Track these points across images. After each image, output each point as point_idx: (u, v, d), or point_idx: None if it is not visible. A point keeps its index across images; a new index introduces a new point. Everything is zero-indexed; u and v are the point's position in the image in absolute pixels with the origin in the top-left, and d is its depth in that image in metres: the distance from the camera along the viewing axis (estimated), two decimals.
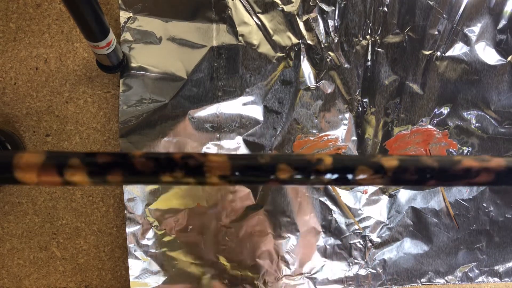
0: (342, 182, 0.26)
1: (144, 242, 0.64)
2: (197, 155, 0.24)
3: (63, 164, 0.23)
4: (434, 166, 0.24)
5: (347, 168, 0.24)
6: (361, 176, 0.24)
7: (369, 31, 0.67)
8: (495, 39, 0.69)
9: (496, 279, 0.71)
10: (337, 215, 0.68)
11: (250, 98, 0.66)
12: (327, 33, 0.67)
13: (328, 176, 0.25)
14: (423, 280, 0.70)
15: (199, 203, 0.65)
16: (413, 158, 0.25)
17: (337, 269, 0.69)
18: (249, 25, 0.66)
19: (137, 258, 0.64)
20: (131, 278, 0.64)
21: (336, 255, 0.69)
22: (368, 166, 0.24)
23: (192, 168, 0.24)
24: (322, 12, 0.66)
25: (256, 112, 0.67)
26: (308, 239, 0.68)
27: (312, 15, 0.66)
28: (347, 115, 0.68)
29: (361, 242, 0.69)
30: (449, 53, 0.68)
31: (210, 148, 0.65)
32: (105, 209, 0.66)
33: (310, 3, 0.66)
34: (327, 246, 0.68)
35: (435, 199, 0.70)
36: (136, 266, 0.64)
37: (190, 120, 0.65)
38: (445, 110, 0.69)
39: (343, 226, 0.68)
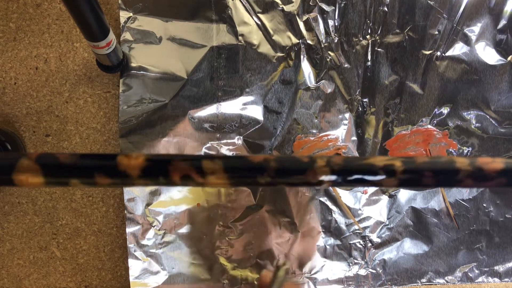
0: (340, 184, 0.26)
1: (144, 242, 0.64)
2: (196, 176, 0.24)
3: (64, 183, 0.24)
4: (432, 183, 0.24)
5: (346, 182, 0.25)
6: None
7: (369, 31, 0.67)
8: (495, 39, 0.69)
9: (496, 279, 0.71)
10: (337, 215, 0.68)
11: (250, 98, 0.66)
12: (327, 33, 0.67)
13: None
14: (423, 280, 0.70)
15: (199, 203, 0.65)
16: (415, 177, 0.25)
17: (337, 269, 0.69)
18: (249, 25, 0.66)
19: (137, 258, 0.64)
20: (131, 278, 0.64)
21: (336, 255, 0.69)
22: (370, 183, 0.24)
23: (191, 184, 0.24)
24: (322, 12, 0.66)
25: (256, 112, 0.67)
26: (308, 239, 0.68)
27: (312, 15, 0.66)
28: (347, 115, 0.68)
29: (361, 242, 0.69)
30: (449, 53, 0.68)
31: (210, 148, 0.65)
32: (105, 209, 0.66)
33: (310, 3, 0.66)
34: (327, 246, 0.68)
35: (435, 199, 0.70)
36: (136, 266, 0.64)
37: (190, 120, 0.65)
38: (445, 110, 0.69)
39: (343, 226, 0.68)
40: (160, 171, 0.25)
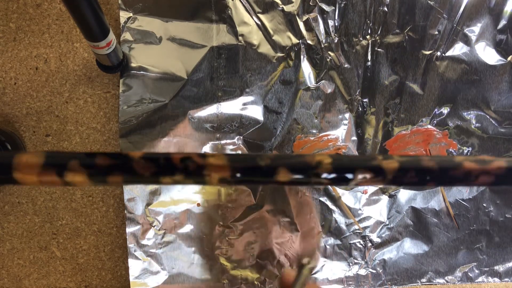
0: (341, 183, 0.26)
1: (144, 242, 0.64)
2: (196, 158, 0.24)
3: (63, 166, 0.23)
4: (434, 168, 0.24)
5: (347, 171, 0.24)
6: (361, 178, 0.24)
7: (369, 31, 0.67)
8: (495, 39, 0.69)
9: (496, 279, 0.71)
10: (337, 215, 0.68)
11: (250, 98, 0.66)
12: (327, 33, 0.67)
13: (327, 177, 0.25)
14: (423, 280, 0.70)
15: (199, 203, 0.65)
16: (413, 159, 0.25)
17: (337, 269, 0.69)
18: (249, 25, 0.66)
19: (137, 258, 0.64)
20: (131, 278, 0.64)
21: (336, 255, 0.69)
22: (368, 169, 0.24)
23: (192, 171, 0.24)
24: (322, 12, 0.66)
25: (256, 112, 0.67)
26: (308, 239, 0.68)
27: (312, 15, 0.66)
28: (347, 115, 0.68)
29: (361, 242, 0.69)
30: (449, 53, 0.68)
31: (210, 148, 0.65)
32: (105, 209, 0.66)
33: (310, 3, 0.66)
34: (327, 246, 0.68)
35: (435, 199, 0.70)
36: (136, 266, 0.64)
37: (190, 120, 0.65)
38: (445, 110, 0.69)
39: (343, 226, 0.68)
40: (161, 154, 0.25)
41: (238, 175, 0.24)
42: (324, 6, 0.66)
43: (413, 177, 0.24)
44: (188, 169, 0.24)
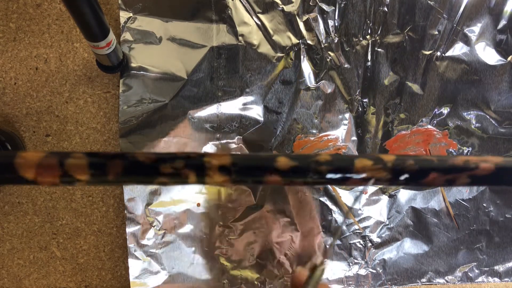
0: (342, 179, 0.25)
1: (144, 242, 0.64)
2: (198, 152, 0.24)
3: (64, 158, 0.23)
4: (433, 159, 0.24)
5: (346, 160, 0.24)
6: (361, 168, 0.24)
7: (369, 31, 0.67)
8: (495, 39, 0.69)
9: (496, 279, 0.71)
10: (337, 215, 0.68)
11: (250, 98, 0.66)
12: (327, 33, 0.67)
13: (328, 173, 0.25)
14: (423, 280, 0.70)
15: (199, 203, 0.65)
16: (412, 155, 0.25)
17: (337, 269, 0.69)
18: (249, 25, 0.66)
19: (137, 258, 0.64)
20: (131, 278, 0.64)
21: (336, 255, 0.69)
22: (367, 158, 0.24)
23: (192, 158, 0.24)
24: (322, 12, 0.66)
25: (256, 112, 0.67)
26: (308, 239, 0.68)
27: (312, 15, 0.66)
28: (347, 115, 0.68)
29: (361, 242, 0.69)
30: (449, 53, 0.69)
31: (210, 148, 0.65)
32: (105, 209, 0.66)
33: (310, 3, 0.66)
34: (327, 246, 0.68)
35: (435, 199, 0.70)
36: (136, 266, 0.64)
37: (190, 120, 0.65)
38: (445, 110, 0.69)
39: (343, 226, 0.68)
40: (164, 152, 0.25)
41: (238, 163, 0.24)
42: (324, 6, 0.66)
43: (412, 165, 0.24)
44: (189, 156, 0.24)
